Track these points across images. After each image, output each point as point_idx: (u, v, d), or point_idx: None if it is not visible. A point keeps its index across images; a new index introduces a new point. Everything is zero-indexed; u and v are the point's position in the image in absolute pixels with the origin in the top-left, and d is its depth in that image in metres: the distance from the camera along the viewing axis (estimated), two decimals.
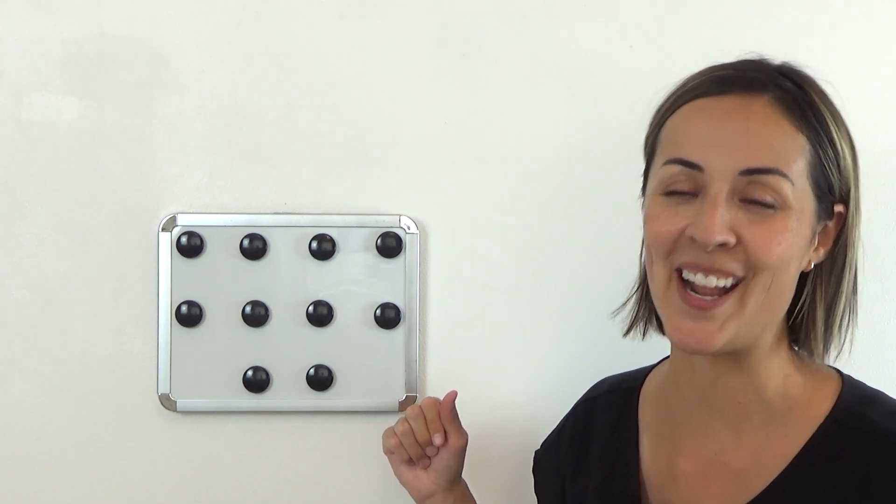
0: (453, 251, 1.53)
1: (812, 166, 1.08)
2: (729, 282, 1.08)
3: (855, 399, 1.14)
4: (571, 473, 1.30)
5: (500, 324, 1.54)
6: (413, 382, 1.52)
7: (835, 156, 1.09)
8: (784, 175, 1.06)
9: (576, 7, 1.52)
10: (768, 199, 1.06)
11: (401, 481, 1.42)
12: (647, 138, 1.18)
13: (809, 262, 1.12)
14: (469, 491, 1.44)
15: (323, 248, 1.50)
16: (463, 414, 1.53)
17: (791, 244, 1.07)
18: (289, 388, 1.51)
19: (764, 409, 1.15)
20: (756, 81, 1.09)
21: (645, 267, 1.20)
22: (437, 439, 1.36)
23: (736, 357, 1.13)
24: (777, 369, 1.15)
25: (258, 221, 1.50)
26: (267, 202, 1.51)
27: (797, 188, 1.07)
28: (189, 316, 1.49)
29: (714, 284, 1.08)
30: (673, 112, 1.13)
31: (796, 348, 1.17)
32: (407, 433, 1.37)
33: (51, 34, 1.49)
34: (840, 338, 1.15)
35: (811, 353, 1.15)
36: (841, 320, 1.15)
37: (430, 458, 1.39)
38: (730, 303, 1.08)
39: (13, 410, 1.51)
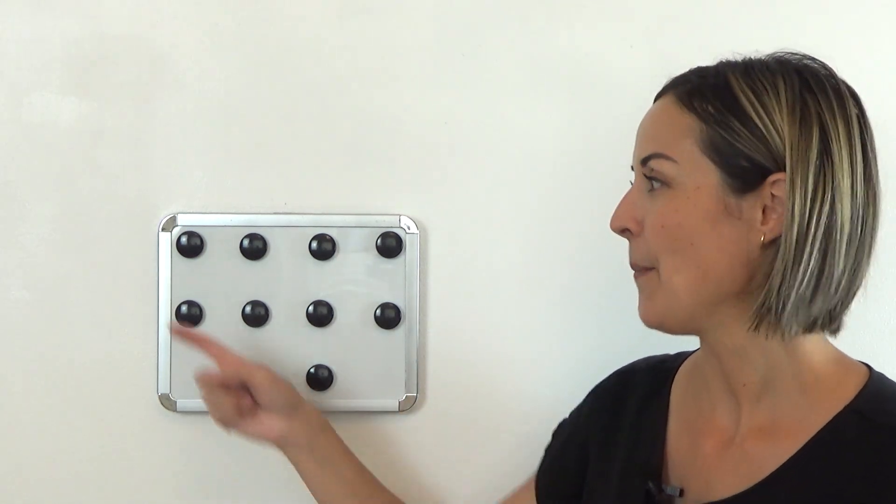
0: (453, 251, 1.53)
1: (706, 142, 1.14)
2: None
3: (880, 393, 1.15)
4: (600, 438, 1.32)
5: (501, 324, 1.54)
6: (413, 382, 1.52)
7: (749, 130, 1.12)
8: (663, 156, 1.16)
9: (576, 7, 1.52)
10: (656, 178, 1.17)
11: (255, 439, 1.40)
12: None
13: (760, 236, 1.13)
14: (326, 421, 1.43)
15: (323, 248, 1.50)
16: (462, 414, 1.53)
17: (679, 223, 1.14)
18: None
19: (771, 392, 1.17)
20: (669, 85, 1.21)
21: None
22: (245, 402, 1.37)
23: (719, 339, 1.18)
24: (775, 352, 1.16)
25: (258, 221, 1.50)
26: (267, 202, 1.51)
27: (684, 165, 1.15)
28: (189, 316, 1.49)
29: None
30: None
31: (825, 336, 1.18)
32: (217, 407, 1.37)
33: (51, 34, 1.49)
34: (805, 314, 1.13)
35: (767, 323, 1.14)
36: (805, 294, 1.11)
37: (251, 405, 1.38)
38: (648, 277, 1.19)
39: (13, 410, 1.51)
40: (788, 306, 1.12)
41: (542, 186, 1.53)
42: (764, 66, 1.16)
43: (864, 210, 1.13)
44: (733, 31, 1.50)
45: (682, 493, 1.20)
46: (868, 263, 1.16)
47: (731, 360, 1.18)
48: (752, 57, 1.18)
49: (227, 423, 1.38)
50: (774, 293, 1.12)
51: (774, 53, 1.19)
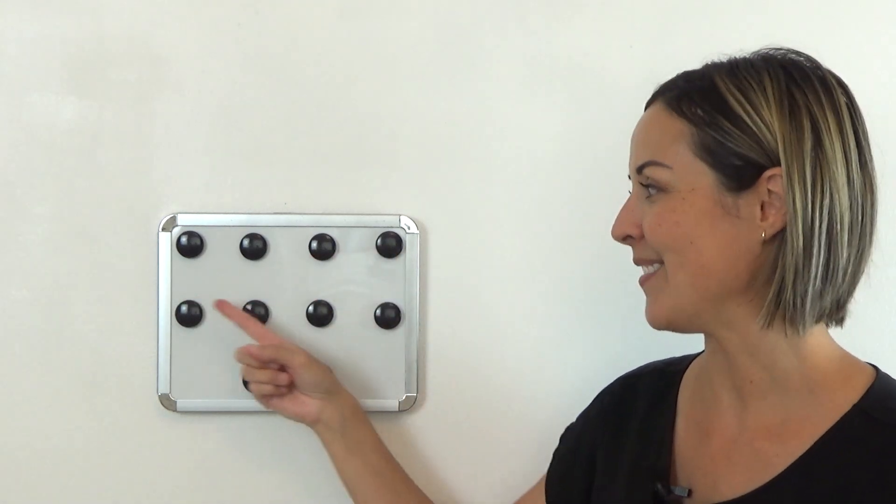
0: (453, 251, 1.53)
1: (698, 144, 1.15)
2: (655, 267, 1.20)
3: (886, 393, 1.16)
4: (608, 443, 1.33)
5: (501, 324, 1.54)
6: (413, 382, 1.52)
7: (740, 129, 1.13)
8: (657, 163, 1.17)
9: (576, 7, 1.52)
10: (651, 186, 1.18)
11: (291, 417, 1.45)
12: None
13: (760, 232, 1.13)
14: (358, 405, 1.47)
15: (323, 248, 1.50)
16: (462, 414, 1.53)
17: (676, 222, 1.16)
18: None
19: (778, 389, 1.17)
20: (658, 92, 1.22)
21: None
22: (282, 378, 1.42)
23: (727, 337, 1.18)
24: (784, 349, 1.16)
25: (258, 221, 1.50)
26: (267, 202, 1.51)
27: (678, 170, 1.16)
28: (189, 316, 1.49)
29: (646, 271, 1.22)
30: None
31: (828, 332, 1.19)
32: (256, 383, 1.43)
33: (51, 34, 1.48)
34: (818, 306, 1.14)
35: (782, 318, 1.14)
36: (815, 286, 1.12)
37: (289, 385, 1.43)
38: (655, 279, 1.20)
39: (13, 410, 1.51)
40: (807, 302, 1.13)
41: (541, 186, 1.53)
42: (749, 64, 1.17)
43: (862, 198, 1.14)
44: (733, 30, 1.50)
45: (690, 493, 1.21)
46: (870, 251, 1.17)
47: (739, 357, 1.18)
48: (737, 56, 1.19)
49: (265, 399, 1.44)
50: (789, 289, 1.12)
51: (759, 50, 1.19)
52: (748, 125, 1.13)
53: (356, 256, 1.51)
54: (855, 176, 1.13)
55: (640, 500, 1.23)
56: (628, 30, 1.52)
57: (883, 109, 1.40)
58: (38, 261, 1.50)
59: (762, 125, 1.13)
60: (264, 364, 1.43)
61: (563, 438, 1.43)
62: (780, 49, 1.19)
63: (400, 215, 1.51)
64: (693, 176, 1.15)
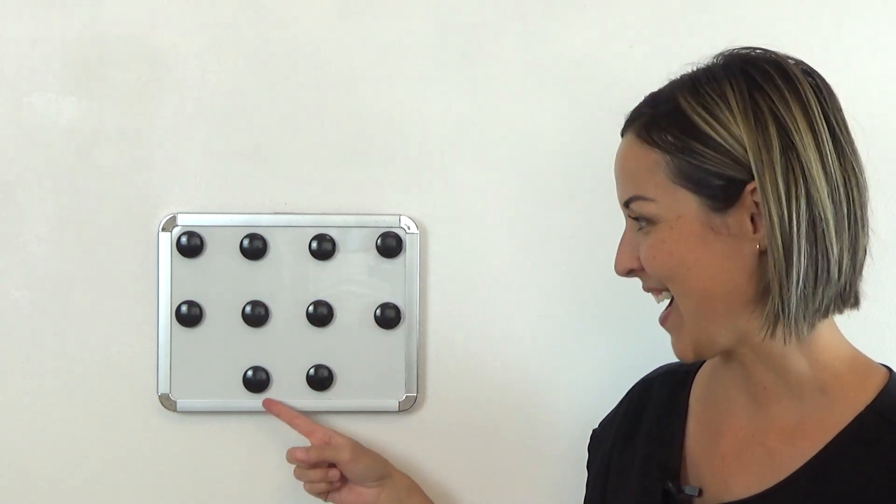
0: (453, 251, 1.53)
1: (675, 172, 1.14)
2: (664, 297, 1.20)
3: None
4: (620, 446, 1.33)
5: (501, 324, 1.54)
6: (413, 382, 1.52)
7: (712, 148, 1.11)
8: (640, 197, 1.17)
9: (576, 7, 1.52)
10: (640, 220, 1.17)
11: None
12: None
13: (755, 244, 1.12)
14: (413, 482, 1.48)
15: (323, 248, 1.50)
16: (463, 414, 1.53)
17: (669, 252, 1.15)
18: (289, 388, 1.51)
19: (791, 394, 1.17)
20: (629, 121, 1.21)
21: None
22: (333, 475, 1.45)
23: (743, 351, 1.18)
24: (794, 354, 1.16)
25: (258, 221, 1.50)
26: (267, 202, 1.51)
27: (661, 200, 1.15)
28: (189, 316, 1.49)
29: (660, 302, 1.22)
30: None
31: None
32: (310, 482, 1.47)
33: (51, 34, 1.48)
34: (812, 308, 1.12)
35: (781, 326, 1.13)
36: (804, 290, 1.11)
37: (341, 478, 1.46)
38: (673, 316, 1.20)
39: (13, 410, 1.51)
40: (793, 308, 1.11)
41: (541, 186, 1.53)
42: (710, 76, 1.15)
43: (844, 186, 1.11)
44: (733, 30, 1.49)
45: (700, 492, 1.21)
46: (865, 234, 1.14)
47: (754, 366, 1.18)
48: (699, 67, 1.17)
49: (321, 495, 1.47)
50: (777, 299, 1.11)
51: (721, 53, 1.17)
52: (719, 143, 1.11)
53: (356, 256, 1.51)
54: (833, 166, 1.11)
55: (651, 498, 1.23)
56: (628, 30, 1.52)
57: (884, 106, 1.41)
58: (38, 261, 1.50)
59: (733, 141, 1.11)
60: (314, 465, 1.45)
61: (590, 448, 1.43)
62: (744, 49, 1.17)
63: (400, 215, 1.51)
64: (677, 204, 1.14)
